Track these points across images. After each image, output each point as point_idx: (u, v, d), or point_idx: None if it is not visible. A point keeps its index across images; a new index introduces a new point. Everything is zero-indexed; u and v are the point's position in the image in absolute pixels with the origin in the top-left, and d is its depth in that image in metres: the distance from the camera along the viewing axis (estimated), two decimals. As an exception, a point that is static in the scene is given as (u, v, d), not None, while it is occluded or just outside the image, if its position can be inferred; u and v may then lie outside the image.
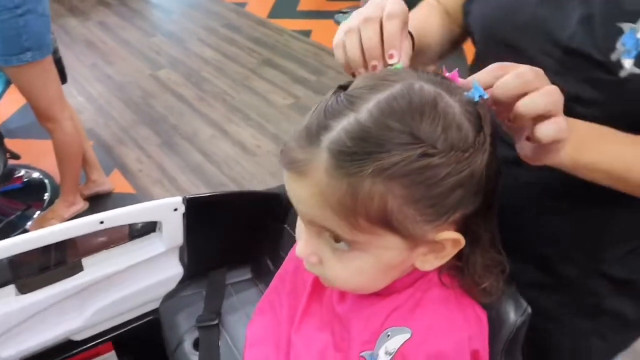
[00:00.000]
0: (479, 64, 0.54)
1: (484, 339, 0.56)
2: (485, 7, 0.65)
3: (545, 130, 0.44)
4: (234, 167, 2.34)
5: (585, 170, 0.52)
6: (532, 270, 0.69)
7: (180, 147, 2.48)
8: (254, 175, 2.28)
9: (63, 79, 1.86)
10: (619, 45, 0.52)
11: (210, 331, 0.96)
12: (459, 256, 0.52)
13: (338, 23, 3.53)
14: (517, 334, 0.65)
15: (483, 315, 0.57)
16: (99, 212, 0.88)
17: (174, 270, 1.05)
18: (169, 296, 1.05)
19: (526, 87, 0.44)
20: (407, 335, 0.51)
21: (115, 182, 2.26)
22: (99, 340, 1.02)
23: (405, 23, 0.53)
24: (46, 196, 2.16)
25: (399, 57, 0.52)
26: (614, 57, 0.52)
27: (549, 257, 0.68)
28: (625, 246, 0.70)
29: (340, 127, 0.44)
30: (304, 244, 0.50)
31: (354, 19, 0.54)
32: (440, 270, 0.54)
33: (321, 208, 0.45)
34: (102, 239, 0.99)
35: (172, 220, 0.98)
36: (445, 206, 0.45)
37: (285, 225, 1.03)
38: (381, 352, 0.51)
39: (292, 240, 1.01)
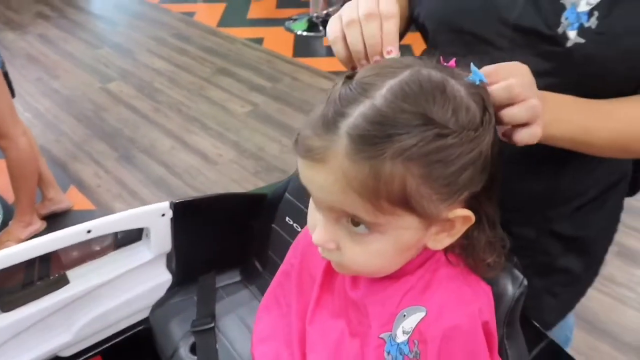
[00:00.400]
0: (435, 53, 0.60)
1: (492, 311, 0.59)
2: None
3: (519, 136, 0.52)
4: (197, 177, 2.31)
5: (552, 141, 0.59)
6: None
7: (139, 160, 2.42)
8: (217, 184, 2.27)
9: (12, 93, 1.79)
10: (563, 19, 0.59)
11: (206, 335, 0.95)
12: (464, 235, 0.55)
13: (289, 30, 3.56)
14: (515, 305, 0.69)
15: (488, 289, 0.60)
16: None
17: (162, 278, 1.03)
18: (159, 304, 1.03)
19: (512, 100, 0.51)
20: (422, 314, 0.53)
21: (73, 199, 2.18)
22: (88, 355, 0.99)
23: (399, 21, 0.57)
24: (-2, 218, 2.06)
25: (397, 54, 0.55)
26: (560, 30, 0.59)
27: (509, 220, 0.73)
28: (573, 204, 0.77)
29: (357, 113, 0.45)
30: (322, 231, 0.51)
31: (352, 11, 0.56)
32: (446, 250, 0.57)
33: (343, 192, 0.46)
34: (87, 249, 0.97)
35: (160, 225, 0.97)
36: (457, 184, 0.48)
37: (274, 225, 1.04)
38: (399, 332, 0.53)
39: (281, 239, 1.02)
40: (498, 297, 0.68)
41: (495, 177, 0.53)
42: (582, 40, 0.59)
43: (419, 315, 0.53)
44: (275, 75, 3.06)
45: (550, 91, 0.58)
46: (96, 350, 1.00)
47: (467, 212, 0.51)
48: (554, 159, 0.69)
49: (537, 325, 0.81)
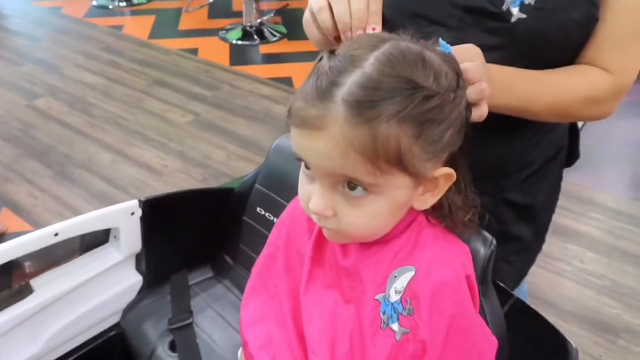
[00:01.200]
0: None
1: (472, 266, 0.64)
2: None
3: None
4: (143, 188, 2.24)
5: (497, 110, 0.66)
6: None
7: (77, 176, 2.32)
8: (164, 194, 2.22)
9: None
10: None
11: (185, 331, 0.94)
12: (443, 197, 0.59)
13: (224, 39, 3.55)
14: (488, 264, 0.75)
15: (466, 247, 0.65)
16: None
17: (132, 280, 1.01)
18: (130, 307, 1.01)
19: (467, 80, 0.57)
20: (412, 273, 0.57)
21: (7, 222, 2.06)
22: (58, 367, 0.95)
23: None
24: None
25: (380, 31, 0.59)
26: (504, 7, 0.66)
27: None
28: (522, 173, 0.85)
29: (350, 81, 0.49)
30: (320, 199, 0.53)
31: None
32: (425, 213, 0.61)
33: (344, 156, 0.49)
34: (51, 256, 0.93)
35: (130, 225, 0.95)
36: (441, 143, 0.52)
37: (244, 217, 1.04)
38: (392, 292, 0.57)
39: (253, 231, 1.03)
40: (472, 257, 0.73)
41: (468, 138, 0.57)
42: (524, 16, 0.66)
43: (409, 274, 0.56)
44: (214, 83, 3.04)
45: (499, 64, 0.65)
46: (66, 361, 0.96)
47: (450, 170, 0.55)
48: (503, 133, 0.76)
49: (502, 285, 0.88)
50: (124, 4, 4.15)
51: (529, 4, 0.66)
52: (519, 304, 0.87)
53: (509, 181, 0.85)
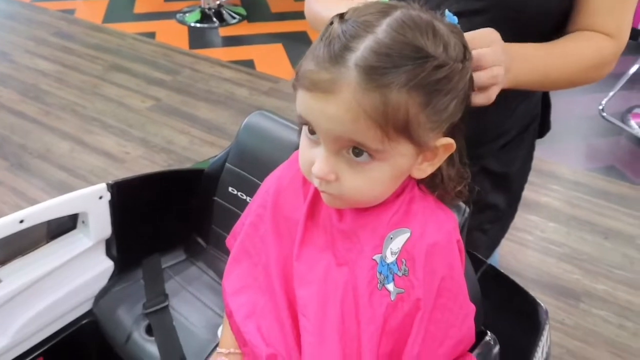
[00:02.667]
0: None
1: (459, 232, 0.65)
2: None
3: (477, 98, 0.61)
4: (105, 176, 2.18)
5: (520, 86, 0.69)
6: None
7: (35, 167, 2.24)
8: (128, 179, 2.16)
9: None
10: None
11: (161, 314, 0.93)
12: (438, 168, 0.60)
13: (182, 22, 3.47)
14: (461, 232, 0.77)
15: (454, 215, 0.66)
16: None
17: (103, 266, 0.99)
18: (102, 294, 0.98)
19: (480, 66, 0.59)
20: (408, 235, 0.58)
21: (-39, 216, 1.96)
22: (29, 358, 0.92)
23: None
24: None
25: None
26: None
27: None
28: (499, 142, 0.87)
29: (363, 46, 0.48)
30: (324, 163, 0.53)
31: None
32: (417, 181, 0.62)
33: (355, 121, 0.49)
34: (16, 244, 0.89)
35: (98, 209, 0.92)
36: (446, 113, 0.53)
37: (216, 198, 1.03)
38: (388, 253, 0.58)
39: (225, 211, 1.02)
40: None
41: (468, 109, 0.58)
42: None
43: (405, 236, 0.57)
44: (174, 68, 2.96)
45: (482, 27, 0.65)
46: (38, 352, 0.93)
47: (450, 140, 0.56)
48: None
49: (475, 253, 0.90)
50: (75, -14, 3.98)
51: None
52: (491, 270, 0.90)
53: (486, 149, 0.87)
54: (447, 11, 0.56)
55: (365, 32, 0.49)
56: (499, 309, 0.81)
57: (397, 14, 0.51)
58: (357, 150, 0.52)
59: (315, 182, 0.57)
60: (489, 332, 0.75)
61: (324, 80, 0.49)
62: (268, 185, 0.71)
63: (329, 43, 0.50)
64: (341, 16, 0.52)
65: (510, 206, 0.99)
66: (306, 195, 0.65)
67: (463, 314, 0.60)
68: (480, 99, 0.60)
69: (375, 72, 0.48)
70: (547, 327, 0.85)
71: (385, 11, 0.51)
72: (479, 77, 0.59)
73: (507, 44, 0.64)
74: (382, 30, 0.49)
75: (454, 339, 0.60)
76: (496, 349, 0.71)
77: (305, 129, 0.56)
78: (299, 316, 0.61)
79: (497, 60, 0.60)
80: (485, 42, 0.60)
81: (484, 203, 0.90)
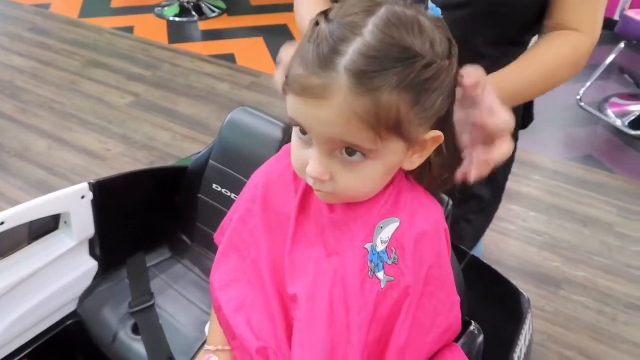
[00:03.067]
0: None
1: (445, 222, 0.66)
2: None
3: (498, 156, 0.64)
4: (85, 174, 2.15)
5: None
6: None
7: (12, 166, 2.20)
8: (110, 178, 2.14)
9: None
10: None
11: (147, 312, 0.92)
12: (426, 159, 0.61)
13: (160, 16, 3.42)
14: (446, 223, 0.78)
15: (439, 205, 0.67)
16: None
17: (87, 265, 0.98)
18: (87, 294, 0.97)
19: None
20: (397, 224, 0.59)
21: (-62, 217, 1.92)
22: (14, 360, 0.91)
23: None
24: None
25: None
26: None
27: None
28: None
29: (352, 50, 0.48)
30: (317, 164, 0.54)
31: None
32: (405, 172, 0.63)
33: (347, 124, 0.50)
34: (-3, 247, 0.88)
35: (81, 209, 0.91)
36: (433, 109, 0.54)
37: (200, 195, 1.03)
38: (378, 242, 0.59)
39: (209, 208, 1.02)
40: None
41: (453, 102, 0.59)
42: None
43: (394, 225, 0.59)
44: (153, 62, 2.93)
45: (464, 22, 0.66)
46: (22, 354, 0.92)
47: (438, 132, 0.57)
48: None
49: (459, 245, 0.92)
50: (48, -20, 3.90)
51: None
52: (474, 260, 0.91)
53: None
54: (430, 2, 0.57)
55: (353, 34, 0.49)
56: (482, 298, 0.83)
57: (382, 12, 0.51)
58: (350, 150, 0.53)
59: (310, 182, 0.57)
60: (473, 322, 0.76)
61: (315, 85, 0.49)
62: (256, 179, 0.71)
63: (317, 46, 0.50)
64: (326, 15, 0.52)
65: (494, 197, 1.01)
66: (297, 190, 0.65)
67: (450, 302, 0.61)
68: (504, 154, 0.64)
69: (365, 75, 0.48)
70: (529, 316, 0.87)
71: (369, 9, 0.51)
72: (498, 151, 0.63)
73: (490, 76, 0.67)
74: (369, 31, 0.49)
75: (441, 327, 0.61)
76: (480, 338, 0.72)
77: (296, 129, 0.56)
78: (291, 308, 0.62)
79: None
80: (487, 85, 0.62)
81: (469, 194, 0.92)
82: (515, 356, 0.80)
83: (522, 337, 0.83)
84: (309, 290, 0.60)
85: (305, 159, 0.55)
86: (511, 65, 0.75)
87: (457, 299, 0.63)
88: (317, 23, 0.52)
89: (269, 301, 0.64)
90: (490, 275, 0.89)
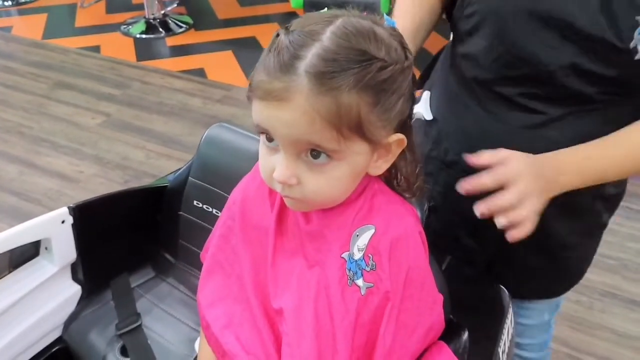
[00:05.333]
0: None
1: (420, 224, 0.68)
2: None
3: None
4: (59, 198, 2.12)
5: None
6: (554, 205, 0.72)
7: (-18, 193, 2.15)
8: (85, 201, 2.11)
9: None
10: (636, 34, 0.65)
11: (135, 334, 0.92)
12: (392, 165, 0.63)
13: (127, 34, 3.40)
14: (425, 224, 0.80)
15: (413, 208, 0.69)
16: None
17: (70, 291, 0.97)
18: (72, 319, 0.97)
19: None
20: (372, 231, 0.60)
21: None
22: (0, 392, 0.89)
23: None
24: None
25: None
26: (632, 44, 0.65)
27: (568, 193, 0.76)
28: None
29: (311, 54, 0.51)
30: (284, 168, 0.55)
31: None
32: (377, 179, 0.65)
33: (311, 124, 0.52)
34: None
35: (61, 234, 0.91)
36: (394, 111, 0.56)
37: (181, 212, 1.03)
38: (355, 250, 0.60)
39: (191, 224, 1.03)
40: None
41: (412, 108, 0.61)
42: None
43: (370, 232, 0.60)
44: (122, 81, 2.90)
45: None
46: (8, 385, 0.91)
47: (401, 135, 0.59)
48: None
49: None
50: (10, 2, 3.84)
51: None
52: (453, 261, 0.94)
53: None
54: (385, 15, 0.60)
55: (312, 41, 0.52)
56: (464, 296, 0.85)
57: (339, 22, 0.54)
58: (315, 152, 0.55)
59: (278, 188, 0.58)
60: (456, 320, 0.79)
61: (277, 89, 0.51)
62: (234, 197, 0.72)
63: (277, 53, 0.52)
64: (287, 28, 0.55)
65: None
66: (273, 204, 0.66)
67: (431, 301, 0.63)
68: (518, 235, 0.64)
69: (325, 76, 0.51)
70: (510, 310, 0.89)
71: (328, 20, 0.54)
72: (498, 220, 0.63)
73: (552, 154, 0.68)
74: (327, 37, 0.52)
75: (424, 326, 0.63)
76: (465, 336, 0.74)
77: (263, 137, 0.58)
78: (277, 322, 0.63)
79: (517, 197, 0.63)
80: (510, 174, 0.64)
81: (599, 224, 0.90)
82: (500, 350, 0.82)
83: (505, 332, 0.86)
84: (294, 303, 0.61)
85: (273, 166, 0.57)
86: (588, 146, 0.70)
87: (439, 297, 0.65)
88: (277, 35, 0.55)
89: (255, 316, 0.65)
90: (471, 273, 0.91)
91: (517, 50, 0.73)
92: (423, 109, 0.92)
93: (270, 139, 0.56)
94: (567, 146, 0.72)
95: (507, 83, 0.77)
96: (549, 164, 0.69)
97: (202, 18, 3.64)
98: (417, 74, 0.66)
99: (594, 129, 0.73)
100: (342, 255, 0.60)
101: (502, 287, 0.89)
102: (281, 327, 0.63)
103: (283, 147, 0.55)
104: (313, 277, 0.61)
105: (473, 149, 0.69)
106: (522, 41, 0.72)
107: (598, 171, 0.72)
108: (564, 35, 0.69)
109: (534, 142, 0.74)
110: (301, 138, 0.53)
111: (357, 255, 0.60)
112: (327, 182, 0.57)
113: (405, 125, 0.60)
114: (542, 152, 0.71)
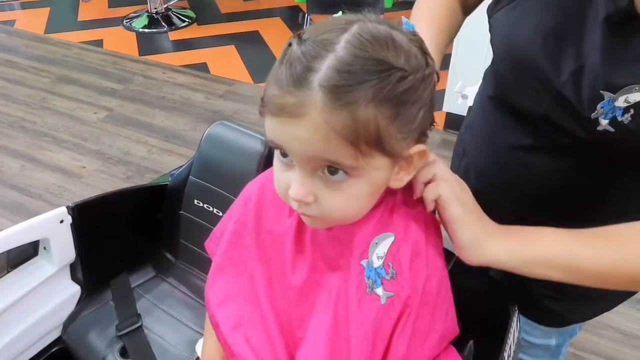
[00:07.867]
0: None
1: (440, 231, 0.66)
2: (503, 29, 0.72)
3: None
4: (62, 194, 2.12)
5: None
6: None
7: (-16, 189, 2.15)
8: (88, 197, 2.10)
9: None
10: (599, 107, 0.62)
11: (135, 335, 0.91)
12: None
13: (129, 29, 3.38)
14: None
15: (431, 215, 0.67)
16: None
17: (70, 291, 0.96)
18: (71, 319, 0.96)
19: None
20: (392, 239, 0.58)
21: None
22: (-1, 393, 0.89)
23: None
24: None
25: None
26: (593, 115, 0.62)
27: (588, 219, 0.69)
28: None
29: (325, 66, 0.48)
30: (300, 186, 0.53)
31: None
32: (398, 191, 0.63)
33: (326, 141, 0.49)
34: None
35: (60, 234, 0.89)
36: (415, 123, 0.53)
37: (182, 212, 1.02)
38: (374, 258, 0.58)
39: (192, 224, 1.01)
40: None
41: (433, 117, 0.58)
42: (612, 129, 0.62)
43: (389, 240, 0.58)
44: (125, 76, 2.89)
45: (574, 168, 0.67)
46: (7, 386, 0.90)
47: (423, 147, 0.56)
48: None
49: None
50: (12, -4, 3.83)
51: (622, 121, 0.61)
52: (461, 262, 0.92)
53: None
54: (404, 18, 0.56)
55: (325, 51, 0.49)
56: (470, 298, 0.84)
57: (354, 29, 0.51)
58: (333, 169, 0.52)
59: (294, 206, 0.56)
60: (462, 324, 0.77)
61: (290, 105, 0.49)
62: (249, 193, 0.69)
63: (290, 66, 0.49)
64: (299, 36, 0.51)
65: None
66: (292, 211, 0.64)
67: (446, 307, 0.61)
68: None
69: (340, 90, 0.48)
70: (516, 313, 0.88)
71: (343, 27, 0.51)
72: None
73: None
74: (342, 47, 0.49)
75: (439, 332, 0.61)
76: (470, 342, 0.73)
77: (277, 152, 0.55)
78: (294, 328, 0.62)
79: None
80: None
81: None
82: (506, 355, 0.81)
83: (511, 335, 0.84)
84: (315, 309, 0.60)
85: (288, 182, 0.54)
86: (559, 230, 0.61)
87: (452, 303, 0.63)
88: (290, 44, 0.51)
89: (265, 318, 0.64)
90: (478, 275, 0.89)
91: (505, 89, 0.73)
92: None
93: (284, 155, 0.54)
94: (548, 175, 0.70)
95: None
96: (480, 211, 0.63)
97: (204, 12, 3.62)
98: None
99: (573, 166, 0.69)
100: (361, 262, 0.58)
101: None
102: (297, 333, 0.62)
103: (298, 164, 0.53)
104: (334, 282, 0.60)
105: None
106: (510, 79, 0.71)
107: (539, 251, 0.61)
108: (543, 82, 0.67)
109: (515, 161, 0.73)
110: (316, 155, 0.50)
111: (377, 263, 0.58)
112: (346, 199, 0.54)
113: (426, 134, 0.57)
114: (520, 174, 0.71)
